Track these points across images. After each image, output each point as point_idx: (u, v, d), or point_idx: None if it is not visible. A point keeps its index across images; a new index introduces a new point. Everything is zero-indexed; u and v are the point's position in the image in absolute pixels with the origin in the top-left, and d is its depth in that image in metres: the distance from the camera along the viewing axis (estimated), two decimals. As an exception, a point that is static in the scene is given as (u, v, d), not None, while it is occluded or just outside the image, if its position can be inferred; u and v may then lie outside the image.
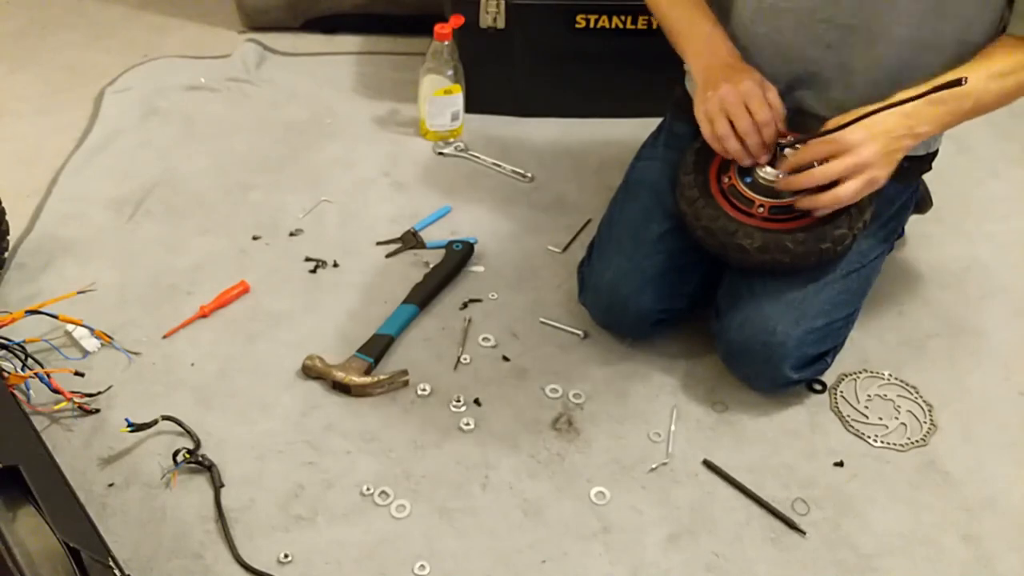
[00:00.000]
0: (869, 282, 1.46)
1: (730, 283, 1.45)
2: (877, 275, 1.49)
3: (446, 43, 1.90)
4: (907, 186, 1.51)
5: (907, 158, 1.34)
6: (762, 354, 1.37)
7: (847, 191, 1.25)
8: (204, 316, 1.56)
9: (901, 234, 1.69)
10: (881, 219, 1.45)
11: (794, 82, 1.39)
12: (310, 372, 1.46)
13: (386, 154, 1.97)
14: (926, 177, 1.58)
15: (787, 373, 1.38)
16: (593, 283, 1.50)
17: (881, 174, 1.26)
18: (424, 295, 1.59)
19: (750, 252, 1.33)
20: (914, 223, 1.82)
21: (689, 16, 1.41)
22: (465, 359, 1.51)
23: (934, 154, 1.53)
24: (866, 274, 1.44)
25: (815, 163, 1.27)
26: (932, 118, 1.26)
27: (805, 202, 1.29)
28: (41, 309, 1.48)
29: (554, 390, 1.46)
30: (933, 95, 1.21)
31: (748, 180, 1.34)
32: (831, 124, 1.27)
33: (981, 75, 1.24)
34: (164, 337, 1.52)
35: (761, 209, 1.33)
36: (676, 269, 1.45)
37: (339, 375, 1.43)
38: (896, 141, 1.25)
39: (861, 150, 1.23)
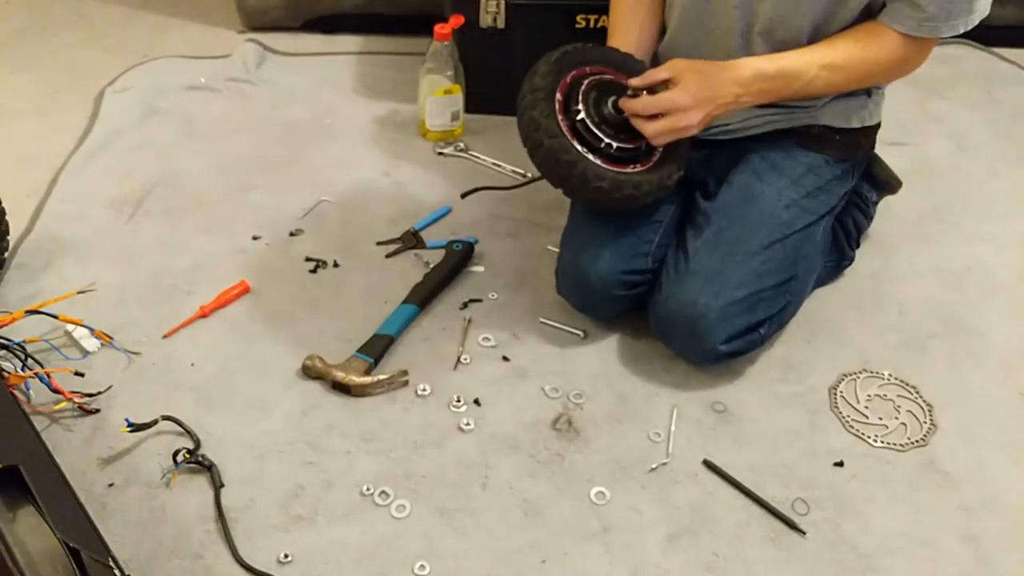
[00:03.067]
0: (800, 251, 1.47)
1: (664, 261, 1.50)
2: (814, 244, 1.50)
3: (446, 43, 1.90)
4: (839, 159, 1.53)
5: (836, 130, 1.50)
6: (685, 327, 1.41)
7: (654, 128, 1.36)
8: (204, 316, 1.56)
9: (870, 217, 1.69)
10: (803, 188, 1.49)
11: (703, 42, 1.48)
12: (310, 372, 1.46)
13: (386, 154, 1.97)
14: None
15: (716, 346, 1.41)
16: (560, 268, 1.54)
17: (693, 123, 1.36)
18: (424, 295, 1.59)
19: (602, 191, 1.37)
20: (915, 223, 1.82)
21: None
22: (465, 359, 1.51)
23: (873, 128, 1.57)
24: (794, 243, 1.46)
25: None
26: (759, 91, 1.39)
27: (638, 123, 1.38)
28: (41, 309, 1.48)
29: (554, 390, 1.46)
30: (767, 70, 1.37)
31: (601, 113, 1.40)
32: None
33: (816, 61, 1.38)
34: (164, 337, 1.52)
35: (609, 148, 1.38)
36: (632, 231, 1.49)
37: (339, 375, 1.43)
38: (719, 102, 1.37)
39: (680, 96, 1.34)
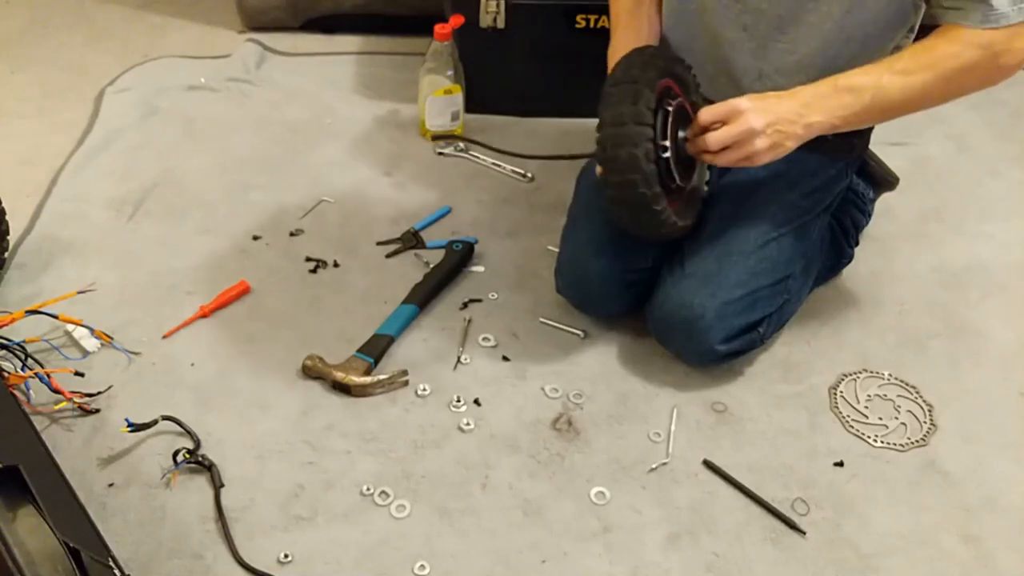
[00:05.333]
0: (796, 249, 1.46)
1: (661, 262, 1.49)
2: (810, 242, 1.50)
3: (446, 43, 1.90)
4: (833, 159, 1.52)
5: None
6: (683, 328, 1.41)
7: (725, 159, 1.30)
8: (204, 316, 1.56)
9: (868, 215, 1.69)
10: (797, 187, 1.49)
11: (718, 70, 1.46)
12: (310, 372, 1.46)
13: (386, 154, 1.97)
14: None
15: (714, 346, 1.41)
16: (559, 266, 1.55)
17: (763, 150, 1.29)
18: (424, 295, 1.59)
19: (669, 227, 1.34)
20: (915, 223, 1.83)
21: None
22: (465, 359, 1.51)
23: (865, 128, 1.56)
24: (790, 241, 1.46)
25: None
26: (826, 108, 1.29)
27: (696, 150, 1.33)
28: (41, 309, 1.48)
29: (554, 390, 1.46)
30: (823, 87, 1.29)
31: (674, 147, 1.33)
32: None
33: (882, 70, 1.29)
34: (164, 337, 1.52)
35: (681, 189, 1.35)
36: None
37: (339, 375, 1.43)
38: (788, 125, 1.29)
39: (749, 117, 1.27)
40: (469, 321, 1.58)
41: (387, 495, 1.30)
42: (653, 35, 1.53)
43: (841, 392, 1.48)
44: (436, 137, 1.98)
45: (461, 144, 1.98)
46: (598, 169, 1.35)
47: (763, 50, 1.42)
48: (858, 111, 1.31)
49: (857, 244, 1.67)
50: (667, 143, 1.30)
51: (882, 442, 1.40)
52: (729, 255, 1.42)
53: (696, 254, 1.44)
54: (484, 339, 1.54)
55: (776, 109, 1.28)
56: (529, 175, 1.91)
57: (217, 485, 1.29)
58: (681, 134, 1.33)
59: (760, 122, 1.27)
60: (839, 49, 1.38)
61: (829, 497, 1.32)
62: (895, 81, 1.29)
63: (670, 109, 1.31)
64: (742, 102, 1.29)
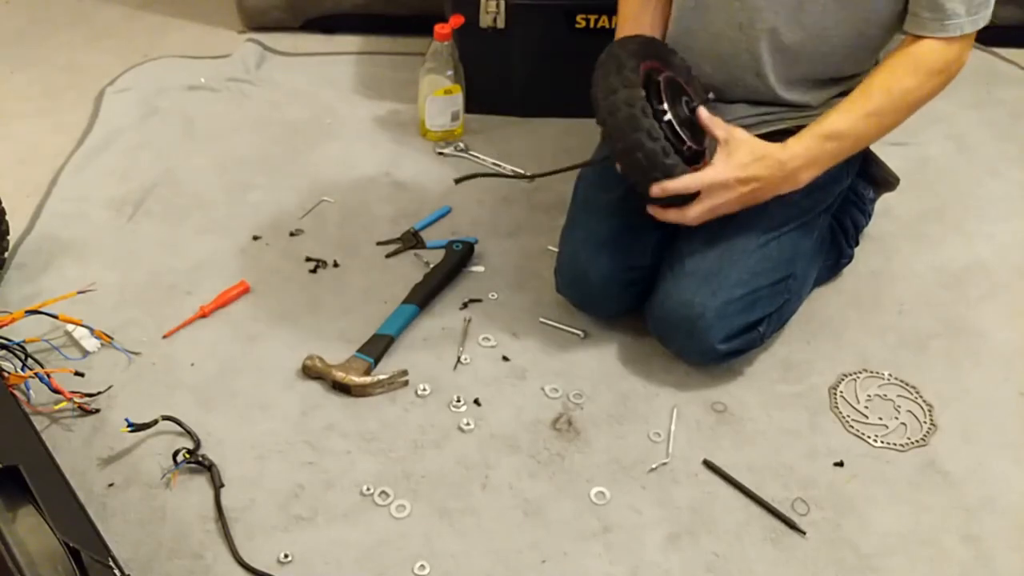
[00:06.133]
0: (796, 249, 1.47)
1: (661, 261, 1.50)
2: (810, 242, 1.50)
3: (446, 43, 1.90)
4: None
5: None
6: (684, 327, 1.41)
7: (694, 212, 1.36)
8: (204, 316, 1.56)
9: (868, 215, 1.69)
10: (801, 188, 1.47)
11: (717, 68, 1.47)
12: (310, 372, 1.46)
13: (386, 154, 1.97)
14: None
15: (715, 345, 1.41)
16: (558, 265, 1.55)
17: (736, 203, 1.37)
18: (424, 295, 1.59)
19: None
20: (915, 223, 1.82)
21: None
22: (465, 359, 1.51)
23: None
24: (790, 240, 1.46)
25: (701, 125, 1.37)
26: (813, 161, 1.37)
27: (651, 207, 1.40)
28: (41, 309, 1.48)
29: (554, 390, 1.46)
30: (816, 133, 1.35)
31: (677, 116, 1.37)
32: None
33: (857, 113, 1.36)
34: (164, 337, 1.52)
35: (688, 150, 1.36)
36: (630, 229, 1.49)
37: (339, 375, 1.43)
38: (771, 188, 1.37)
39: (741, 159, 1.34)
40: (469, 321, 1.58)
41: (387, 495, 1.30)
42: (659, 27, 1.53)
43: (841, 392, 1.48)
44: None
45: (461, 144, 1.98)
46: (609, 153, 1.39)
47: (760, 49, 1.42)
48: (840, 156, 1.40)
49: (857, 244, 1.67)
50: (664, 106, 1.34)
51: (882, 442, 1.40)
52: (730, 254, 1.42)
53: (696, 253, 1.44)
54: (484, 339, 1.54)
55: (760, 170, 1.35)
56: (529, 174, 1.91)
57: (217, 485, 1.29)
58: (685, 101, 1.38)
59: (730, 195, 1.35)
60: (834, 47, 1.40)
61: (829, 497, 1.32)
62: (871, 123, 1.37)
63: (660, 80, 1.36)
64: (734, 141, 1.35)
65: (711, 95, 1.43)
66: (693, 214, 1.36)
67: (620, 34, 1.53)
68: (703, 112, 1.38)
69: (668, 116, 1.34)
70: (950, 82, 1.40)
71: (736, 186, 1.34)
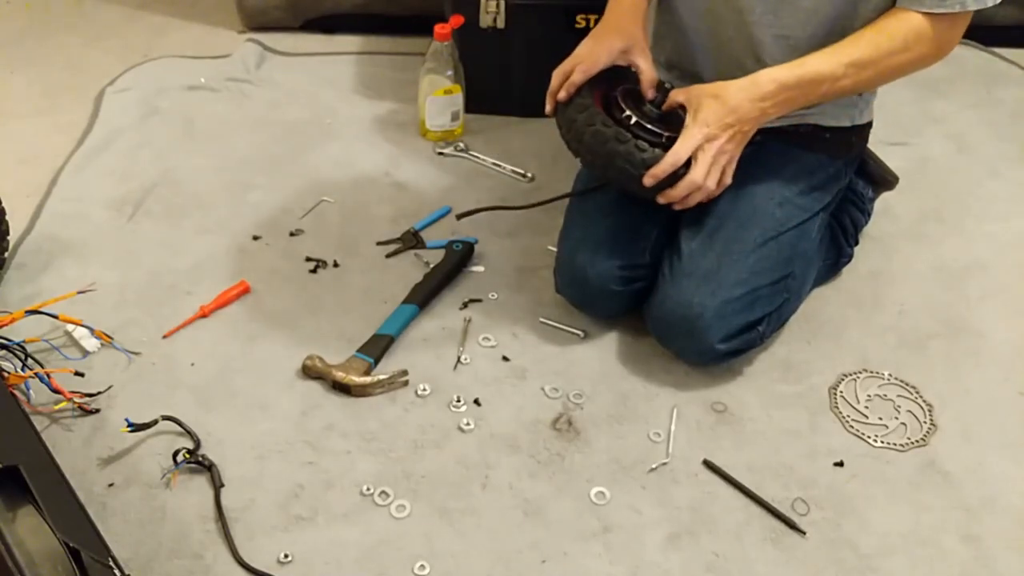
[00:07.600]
0: (796, 248, 1.47)
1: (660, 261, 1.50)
2: (809, 241, 1.50)
3: (446, 43, 1.90)
4: (831, 157, 1.53)
5: (826, 128, 1.49)
6: (683, 327, 1.41)
7: (699, 172, 1.34)
8: (204, 316, 1.56)
9: (867, 214, 1.69)
10: (795, 185, 1.49)
11: (719, 52, 1.47)
12: (310, 372, 1.46)
13: (386, 154, 1.97)
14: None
15: (714, 345, 1.41)
16: (558, 265, 1.55)
17: (730, 146, 1.35)
18: (424, 295, 1.59)
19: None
20: (915, 223, 1.82)
21: None
22: (465, 359, 1.51)
23: (865, 126, 1.57)
24: (790, 240, 1.46)
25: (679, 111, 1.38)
26: (784, 101, 1.35)
27: (664, 198, 1.38)
28: (41, 309, 1.48)
29: (554, 390, 1.46)
30: (788, 79, 1.33)
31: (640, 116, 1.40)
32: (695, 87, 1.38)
33: (841, 60, 1.33)
34: (164, 337, 1.52)
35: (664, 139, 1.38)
36: (628, 228, 1.50)
37: (339, 375, 1.43)
38: (746, 124, 1.35)
39: (707, 116, 1.33)
40: (469, 321, 1.58)
41: (387, 495, 1.30)
42: (638, 13, 1.51)
43: (841, 392, 1.48)
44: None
45: (461, 144, 1.98)
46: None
47: (758, 32, 1.42)
48: (812, 100, 1.38)
49: (857, 244, 1.67)
50: (626, 113, 1.38)
51: (882, 442, 1.40)
52: (729, 254, 1.42)
53: (695, 253, 1.44)
54: (484, 339, 1.54)
55: (728, 107, 1.33)
56: (529, 175, 1.91)
57: (217, 485, 1.29)
58: (650, 98, 1.42)
59: (714, 118, 1.33)
60: (830, 29, 1.38)
61: (829, 497, 1.32)
62: (850, 74, 1.34)
63: (615, 95, 1.41)
64: (694, 99, 1.35)
65: (668, 84, 1.42)
66: (698, 177, 1.34)
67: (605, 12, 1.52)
68: (669, 97, 1.40)
69: (634, 119, 1.37)
70: (937, 60, 1.36)
71: (716, 129, 1.33)
